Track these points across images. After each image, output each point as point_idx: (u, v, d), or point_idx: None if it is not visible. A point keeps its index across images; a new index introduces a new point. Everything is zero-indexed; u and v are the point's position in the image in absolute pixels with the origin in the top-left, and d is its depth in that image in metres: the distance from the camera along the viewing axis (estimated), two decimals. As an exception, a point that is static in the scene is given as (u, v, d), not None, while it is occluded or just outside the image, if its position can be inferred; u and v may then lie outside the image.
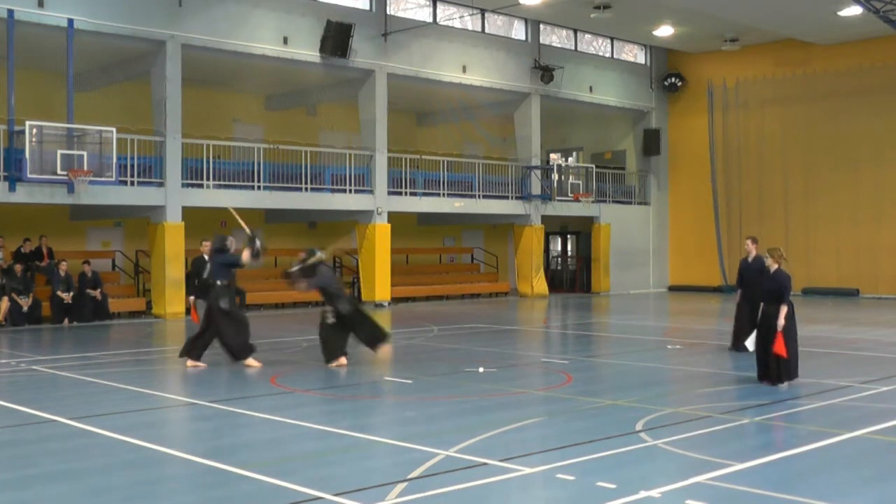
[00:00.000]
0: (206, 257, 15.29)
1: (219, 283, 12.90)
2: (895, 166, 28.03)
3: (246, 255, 12.98)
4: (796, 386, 10.95)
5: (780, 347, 10.80)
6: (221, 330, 12.89)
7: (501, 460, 7.36)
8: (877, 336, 17.17)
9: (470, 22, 27.49)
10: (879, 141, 28.32)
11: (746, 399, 10.27)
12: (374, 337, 13.39)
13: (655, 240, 33.11)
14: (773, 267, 11.19)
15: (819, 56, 29.43)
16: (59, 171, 18.55)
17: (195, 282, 16.11)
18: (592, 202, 29.87)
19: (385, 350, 13.47)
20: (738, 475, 6.90)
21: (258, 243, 12.96)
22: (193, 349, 13.01)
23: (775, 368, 10.96)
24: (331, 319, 13.16)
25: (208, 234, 14.24)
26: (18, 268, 19.66)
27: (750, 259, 14.35)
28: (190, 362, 12.92)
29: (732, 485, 6.65)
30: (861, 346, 15.61)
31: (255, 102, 27.23)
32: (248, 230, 13.24)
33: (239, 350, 12.99)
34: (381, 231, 25.07)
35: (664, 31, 29.55)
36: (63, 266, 20.06)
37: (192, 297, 16.01)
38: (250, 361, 12.96)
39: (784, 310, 10.86)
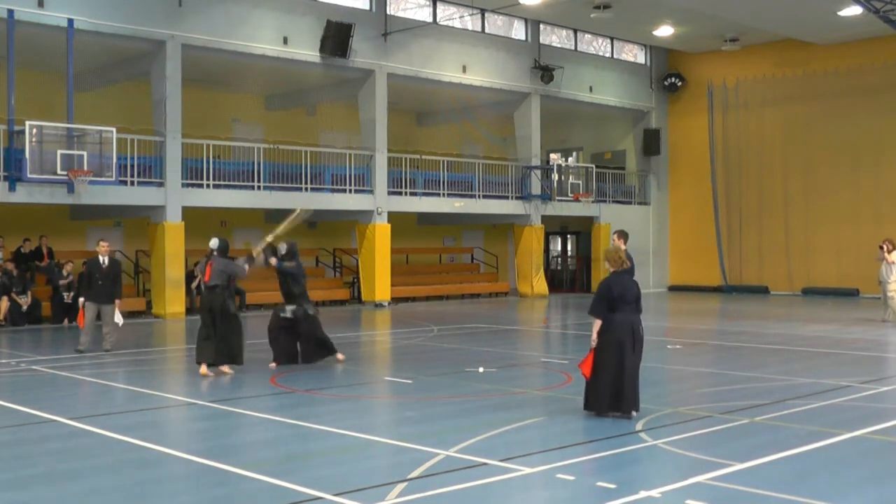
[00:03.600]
0: (103, 259, 14.92)
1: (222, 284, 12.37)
2: (895, 166, 28.03)
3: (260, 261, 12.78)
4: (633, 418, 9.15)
5: (585, 366, 9.19)
6: (227, 330, 12.33)
7: (501, 460, 7.36)
8: (877, 336, 17.18)
9: (470, 22, 27.48)
10: (879, 141, 28.30)
11: (746, 399, 10.26)
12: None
13: (655, 240, 33.09)
14: (610, 271, 9.40)
15: (819, 56, 29.42)
16: (59, 171, 18.56)
17: (89, 283, 15.06)
18: (592, 202, 29.86)
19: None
20: (738, 475, 6.91)
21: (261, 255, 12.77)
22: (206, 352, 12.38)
23: (595, 394, 9.18)
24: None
25: (208, 233, 14.07)
26: (16, 267, 19.67)
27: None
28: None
29: (732, 485, 6.65)
30: (861, 346, 15.61)
31: (255, 102, 27.20)
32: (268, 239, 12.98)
33: (237, 354, 12.48)
34: (381, 231, 25.07)
35: (664, 31, 29.55)
36: (69, 266, 20.09)
37: (81, 300, 15.10)
38: (204, 370, 12.26)
39: (597, 325, 9.14)
